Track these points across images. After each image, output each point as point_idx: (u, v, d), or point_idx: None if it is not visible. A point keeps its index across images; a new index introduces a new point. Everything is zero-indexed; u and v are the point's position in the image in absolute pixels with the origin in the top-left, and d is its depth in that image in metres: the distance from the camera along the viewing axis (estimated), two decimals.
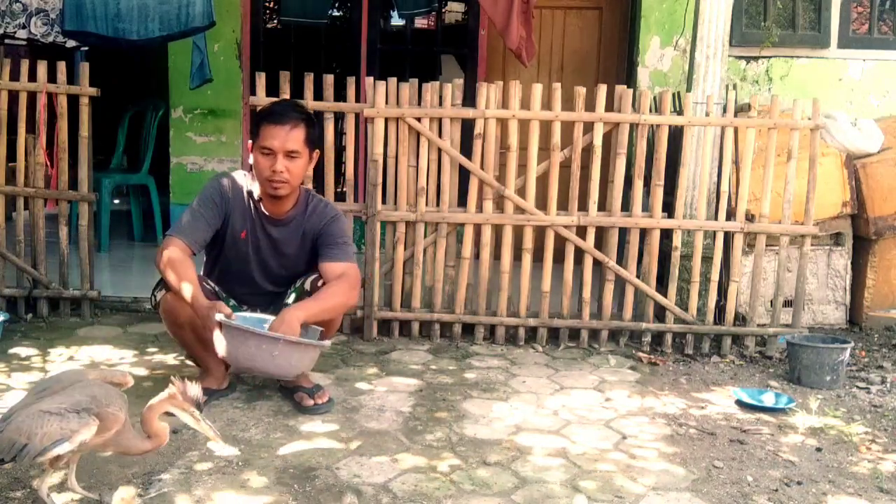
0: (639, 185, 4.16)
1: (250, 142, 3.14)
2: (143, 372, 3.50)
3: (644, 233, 4.16)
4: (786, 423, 3.22)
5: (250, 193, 3.19)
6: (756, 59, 5.61)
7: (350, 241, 3.30)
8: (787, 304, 4.38)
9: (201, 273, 3.22)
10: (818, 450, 2.97)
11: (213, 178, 3.23)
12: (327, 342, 2.97)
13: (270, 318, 2.96)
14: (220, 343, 2.76)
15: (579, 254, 4.16)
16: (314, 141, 3.18)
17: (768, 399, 3.47)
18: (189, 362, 3.44)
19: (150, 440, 2.27)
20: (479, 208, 4.15)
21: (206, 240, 3.11)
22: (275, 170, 3.04)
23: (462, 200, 4.17)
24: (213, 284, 3.19)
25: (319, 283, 3.11)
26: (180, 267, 2.90)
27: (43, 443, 2.07)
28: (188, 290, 2.85)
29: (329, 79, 4.13)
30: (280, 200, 3.16)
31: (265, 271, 3.26)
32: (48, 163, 4.32)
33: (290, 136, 3.05)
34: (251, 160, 3.14)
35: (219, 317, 2.73)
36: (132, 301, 4.49)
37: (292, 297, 3.21)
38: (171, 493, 2.41)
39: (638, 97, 4.13)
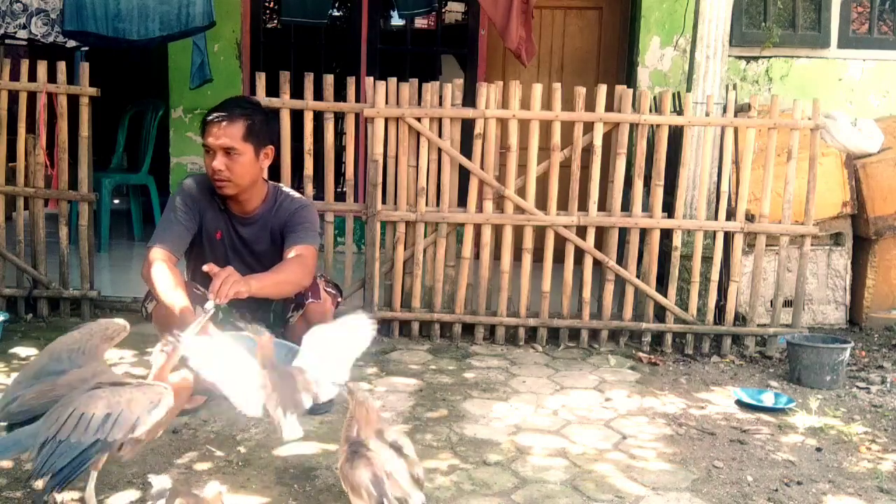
0: (639, 185, 4.16)
1: None
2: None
3: (644, 233, 4.16)
4: (786, 423, 3.22)
5: (216, 193, 3.13)
6: (756, 59, 5.62)
7: (315, 226, 3.18)
8: (787, 304, 4.38)
9: (187, 277, 3.19)
10: (818, 450, 2.97)
11: (181, 183, 3.18)
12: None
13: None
14: None
15: (579, 254, 4.16)
16: (260, 136, 3.04)
17: (768, 399, 3.47)
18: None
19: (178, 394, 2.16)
20: (479, 208, 4.15)
21: (187, 244, 3.07)
22: (213, 168, 2.98)
23: (462, 200, 4.17)
24: (202, 290, 3.16)
25: None
26: (166, 280, 2.83)
27: (134, 410, 1.86)
28: (177, 307, 2.76)
29: (329, 79, 4.13)
30: (240, 199, 3.10)
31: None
32: (48, 163, 4.33)
33: (225, 133, 2.96)
34: None
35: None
36: (132, 301, 4.48)
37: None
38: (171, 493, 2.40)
39: (638, 97, 4.13)
